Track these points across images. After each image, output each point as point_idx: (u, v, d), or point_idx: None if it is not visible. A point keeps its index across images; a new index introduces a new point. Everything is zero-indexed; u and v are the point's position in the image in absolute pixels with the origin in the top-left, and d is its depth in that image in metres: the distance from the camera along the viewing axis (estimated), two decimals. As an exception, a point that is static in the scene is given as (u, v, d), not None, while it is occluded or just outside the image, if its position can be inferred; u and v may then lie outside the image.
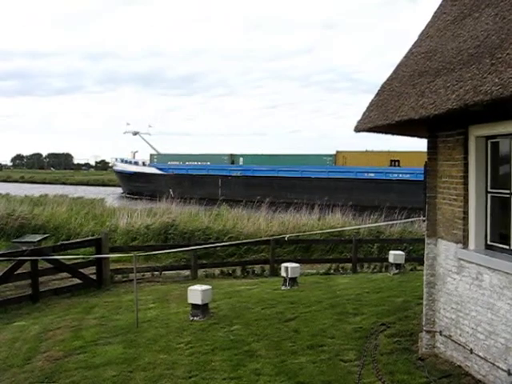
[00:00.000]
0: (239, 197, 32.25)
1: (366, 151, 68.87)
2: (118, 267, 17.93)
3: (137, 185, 76.19)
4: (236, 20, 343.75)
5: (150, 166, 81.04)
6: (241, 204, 31.00)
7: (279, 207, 30.74)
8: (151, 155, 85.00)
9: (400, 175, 60.62)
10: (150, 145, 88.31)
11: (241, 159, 75.16)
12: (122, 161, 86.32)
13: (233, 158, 76.06)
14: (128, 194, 73.53)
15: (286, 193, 56.36)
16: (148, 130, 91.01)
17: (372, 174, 62.50)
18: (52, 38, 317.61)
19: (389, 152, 64.98)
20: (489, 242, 7.48)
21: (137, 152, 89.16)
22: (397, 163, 63.93)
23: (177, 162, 79.13)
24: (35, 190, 50.12)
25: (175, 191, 55.86)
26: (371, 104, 9.11)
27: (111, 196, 52.83)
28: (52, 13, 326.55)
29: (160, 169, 77.89)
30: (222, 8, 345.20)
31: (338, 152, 68.50)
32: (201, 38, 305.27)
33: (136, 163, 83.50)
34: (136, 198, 44.08)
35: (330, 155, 68.60)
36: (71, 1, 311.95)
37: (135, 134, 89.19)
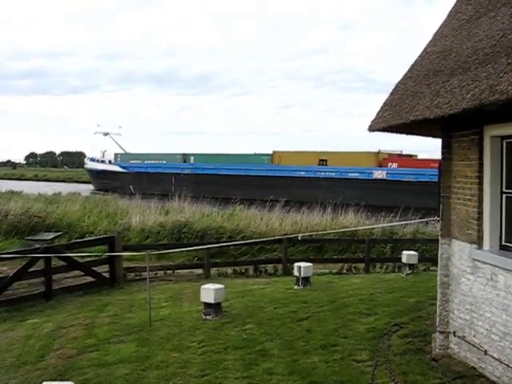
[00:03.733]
0: (189, 193, 34.55)
1: (299, 151, 72.14)
2: (131, 266, 17.98)
3: (103, 182, 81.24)
4: (251, 20, 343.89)
5: (114, 164, 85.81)
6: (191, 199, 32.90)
7: (222, 202, 32.79)
8: (115, 154, 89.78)
9: (327, 173, 65.39)
10: (119, 144, 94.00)
11: (192, 158, 79.83)
12: (92, 159, 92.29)
13: (185, 157, 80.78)
14: (97, 190, 76.12)
15: (230, 189, 58.19)
16: (118, 131, 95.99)
17: (303, 173, 66.81)
18: (69, 37, 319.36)
19: (318, 152, 69.40)
20: (503, 243, 7.43)
21: (106, 151, 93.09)
22: (324, 162, 68.23)
23: (137, 161, 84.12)
24: (48, 188, 50.26)
25: (135, 188, 59.27)
26: (385, 103, 9.07)
27: (83, 192, 54.19)
28: (69, 13, 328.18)
29: (123, 167, 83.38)
30: (238, 8, 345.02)
31: (274, 152, 73.04)
32: (216, 38, 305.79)
33: (103, 162, 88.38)
34: (103, 194, 46.03)
35: (268, 155, 73.33)
36: (89, 1, 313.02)
37: (106, 134, 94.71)
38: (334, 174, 64.79)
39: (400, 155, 68.60)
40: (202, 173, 73.81)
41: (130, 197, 37.00)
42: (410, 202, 34.21)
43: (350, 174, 63.60)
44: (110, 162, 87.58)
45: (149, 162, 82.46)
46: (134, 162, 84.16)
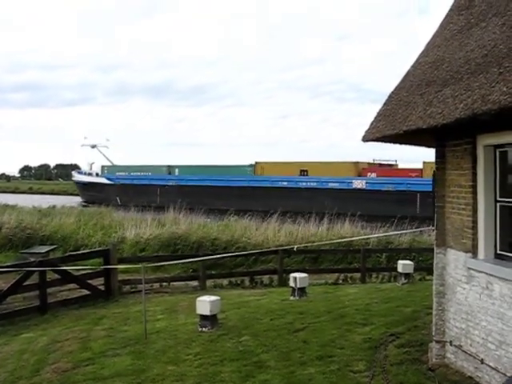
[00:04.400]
0: (174, 204, 35.58)
1: (280, 162, 73.54)
2: (127, 278, 17.93)
3: (90, 194, 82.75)
4: (248, 31, 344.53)
5: (101, 176, 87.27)
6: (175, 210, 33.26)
7: (206, 213, 33.11)
8: (102, 166, 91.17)
9: (308, 183, 67.19)
10: (106, 157, 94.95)
11: (176, 170, 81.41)
12: (79, 172, 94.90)
13: (170, 169, 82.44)
14: (84, 202, 76.97)
15: (213, 200, 60.03)
16: (106, 143, 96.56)
17: (284, 183, 68.52)
18: (64, 50, 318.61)
19: (299, 162, 71.22)
20: (498, 252, 7.43)
21: (93, 163, 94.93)
22: (305, 173, 69.79)
23: (123, 173, 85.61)
24: (43, 201, 50.20)
25: (122, 199, 61.23)
26: (379, 114, 9.08)
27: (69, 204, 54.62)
28: (65, 26, 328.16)
29: (109, 179, 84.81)
30: (235, 19, 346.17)
31: (256, 163, 74.65)
32: (212, 50, 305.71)
33: (90, 174, 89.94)
34: (89, 206, 46.97)
35: (250, 165, 74.95)
36: (85, 14, 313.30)
37: (93, 147, 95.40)
38: (314, 184, 66.41)
39: (381, 165, 70.30)
40: (186, 184, 75.03)
41: (117, 208, 38.82)
42: (389, 210, 34.67)
43: (330, 184, 65.00)
44: (96, 174, 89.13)
45: (135, 173, 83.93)
46: (120, 174, 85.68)
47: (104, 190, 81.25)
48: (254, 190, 67.91)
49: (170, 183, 77.42)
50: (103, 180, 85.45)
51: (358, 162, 67.59)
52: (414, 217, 29.39)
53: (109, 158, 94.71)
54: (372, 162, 71.11)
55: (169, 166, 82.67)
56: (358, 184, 63.96)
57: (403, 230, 25.78)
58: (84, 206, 56.90)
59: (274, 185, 68.33)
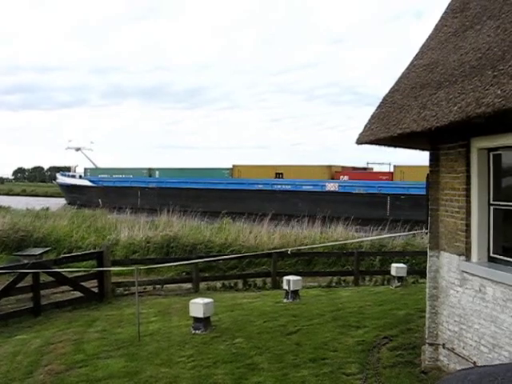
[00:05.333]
0: (154, 206, 35.95)
1: (257, 165, 74.27)
2: (120, 280, 17.92)
3: (73, 196, 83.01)
4: (244, 35, 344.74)
5: (83, 178, 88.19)
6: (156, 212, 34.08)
7: (184, 215, 32.97)
8: (85, 169, 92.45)
9: (283, 186, 68.08)
10: (90, 159, 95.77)
11: (157, 172, 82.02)
12: (63, 174, 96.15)
13: (150, 172, 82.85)
14: (68, 203, 77.43)
15: (192, 202, 59.55)
16: (90, 146, 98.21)
17: (260, 186, 69.02)
18: (59, 52, 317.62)
19: (275, 166, 72.31)
20: (492, 255, 7.45)
21: (77, 166, 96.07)
22: (281, 176, 70.71)
23: (106, 175, 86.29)
24: (37, 203, 50.11)
25: (104, 201, 60.55)
26: (373, 116, 9.09)
27: (55, 205, 55.10)
28: (59, 28, 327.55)
29: (92, 181, 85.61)
30: (230, 23, 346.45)
31: (234, 166, 75.32)
32: (207, 53, 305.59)
33: (73, 176, 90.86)
34: (73, 208, 47.83)
35: (228, 169, 75.57)
36: (79, 18, 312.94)
37: (77, 149, 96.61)
38: (289, 186, 67.45)
39: (355, 168, 71.49)
40: (166, 186, 75.88)
41: (101, 209, 39.37)
42: (360, 213, 35.10)
43: (304, 187, 65.98)
44: (80, 176, 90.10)
45: (116, 176, 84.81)
46: (102, 176, 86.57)
47: (87, 192, 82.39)
48: (232, 192, 68.86)
49: (151, 185, 78.52)
50: (86, 182, 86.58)
51: (331, 166, 68.87)
52: (383, 219, 29.87)
53: (93, 160, 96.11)
54: (347, 165, 72.32)
55: (149, 169, 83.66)
56: (331, 187, 65.09)
57: (374, 231, 26.20)
58: (68, 207, 57.58)
59: (251, 187, 69.27)
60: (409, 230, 27.30)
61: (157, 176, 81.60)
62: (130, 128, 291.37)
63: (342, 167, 70.19)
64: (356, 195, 60.63)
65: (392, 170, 63.53)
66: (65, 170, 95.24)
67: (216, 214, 33.06)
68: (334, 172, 68.15)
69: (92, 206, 47.01)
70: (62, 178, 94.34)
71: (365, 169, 72.42)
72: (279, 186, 68.44)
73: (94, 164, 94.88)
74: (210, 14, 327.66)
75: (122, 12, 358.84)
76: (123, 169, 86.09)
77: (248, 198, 64.34)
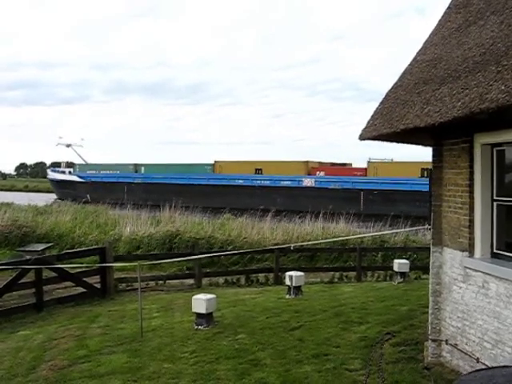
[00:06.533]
0: (140, 201, 36.56)
1: (237, 161, 75.71)
2: (122, 276, 17.96)
3: (63, 191, 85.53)
4: (246, 31, 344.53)
5: (73, 174, 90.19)
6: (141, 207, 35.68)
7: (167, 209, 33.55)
8: (74, 165, 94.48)
9: (262, 182, 69.84)
10: (80, 156, 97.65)
11: (142, 168, 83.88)
12: (53, 170, 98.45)
13: (136, 168, 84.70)
14: (58, 199, 78.91)
15: (175, 197, 60.39)
16: (81, 143, 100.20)
17: (241, 181, 70.82)
18: (61, 49, 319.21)
19: (254, 161, 73.48)
20: (495, 250, 7.44)
21: (67, 162, 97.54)
22: (260, 171, 72.34)
23: (94, 171, 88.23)
24: (39, 199, 50.22)
25: (92, 196, 63.18)
26: (376, 112, 9.07)
27: (44, 200, 55.57)
28: (62, 24, 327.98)
29: (80, 177, 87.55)
30: (233, 20, 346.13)
31: (215, 162, 76.80)
32: (208, 51, 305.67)
33: (63, 172, 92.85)
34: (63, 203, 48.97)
35: (210, 164, 77.03)
36: (83, 13, 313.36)
37: (68, 146, 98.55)
38: (268, 182, 69.15)
39: (333, 164, 73.25)
40: (150, 182, 77.72)
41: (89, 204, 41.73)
42: (335, 207, 35.69)
43: (282, 182, 67.51)
44: (69, 172, 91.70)
45: (104, 172, 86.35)
46: (91, 172, 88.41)
47: (76, 187, 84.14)
48: (213, 187, 70.51)
49: (136, 181, 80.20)
50: (75, 178, 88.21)
51: (308, 161, 70.44)
52: (357, 213, 30.47)
53: (83, 156, 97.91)
54: (324, 161, 73.88)
55: (135, 165, 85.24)
56: (308, 182, 66.63)
57: (342, 225, 26.70)
58: (58, 202, 58.65)
59: (231, 183, 70.70)
60: (383, 225, 27.65)
61: (142, 172, 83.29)
62: (132, 124, 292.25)
63: (319, 163, 72.03)
64: (332, 190, 62.19)
65: (366, 166, 65.43)
66: (67, 165, 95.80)
67: (198, 208, 34.55)
68: (310, 168, 69.91)
69: (81, 200, 48.19)
70: (52, 174, 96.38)
71: (344, 164, 73.95)
72: (259, 182, 70.08)
73: (83, 160, 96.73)
74: (210, 14, 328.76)
75: (122, 12, 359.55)
76: (110, 165, 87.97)
77: (228, 194, 66.09)
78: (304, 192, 63.71)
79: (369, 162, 64.63)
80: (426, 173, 56.59)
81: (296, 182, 66.76)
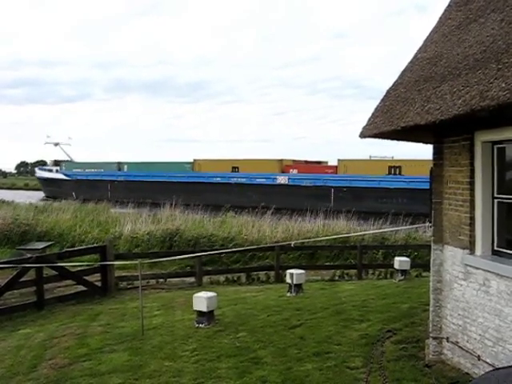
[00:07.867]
0: (123, 198, 37.36)
1: (215, 159, 78.63)
2: (123, 274, 17.96)
3: (50, 188, 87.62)
4: (245, 34, 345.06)
5: (59, 172, 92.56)
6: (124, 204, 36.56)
7: (150, 207, 35.63)
8: (61, 163, 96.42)
9: (238, 179, 71.62)
10: (67, 154, 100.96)
11: (125, 166, 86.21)
12: (41, 168, 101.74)
13: (119, 166, 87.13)
14: (46, 196, 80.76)
15: (157, 195, 63.02)
16: (68, 141, 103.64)
17: (218, 179, 73.24)
18: (62, 47, 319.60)
19: (231, 160, 76.16)
20: (496, 248, 7.42)
21: (55, 160, 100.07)
22: (237, 169, 74.59)
23: (79, 170, 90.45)
24: (39, 197, 50.35)
25: (77, 194, 63.36)
26: (376, 110, 9.06)
27: (31, 198, 56.07)
28: (63, 23, 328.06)
29: (66, 175, 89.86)
30: (234, 18, 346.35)
31: (195, 160, 79.51)
32: (209, 50, 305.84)
33: (50, 170, 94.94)
34: (49, 200, 49.71)
35: (189, 163, 79.64)
36: (84, 12, 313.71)
37: (56, 144, 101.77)
38: (244, 179, 71.04)
39: (307, 162, 75.53)
40: (133, 180, 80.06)
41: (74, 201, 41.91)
42: (307, 204, 36.23)
43: (257, 180, 69.47)
44: (56, 170, 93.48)
45: (89, 170, 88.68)
46: (76, 170, 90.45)
47: (62, 185, 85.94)
48: (192, 185, 72.22)
49: (120, 179, 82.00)
50: (61, 176, 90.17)
51: (281, 160, 72.17)
52: (328, 210, 30.99)
53: (70, 155, 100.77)
54: (298, 159, 75.91)
55: (118, 163, 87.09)
56: (282, 180, 68.55)
57: (320, 221, 27.00)
58: (45, 200, 60.61)
59: (209, 180, 73.02)
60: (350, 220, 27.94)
61: (125, 170, 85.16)
62: (133, 123, 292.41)
63: (293, 161, 74.02)
64: (304, 188, 63.89)
65: (336, 163, 67.20)
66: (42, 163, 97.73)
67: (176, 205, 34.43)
68: (284, 166, 71.59)
69: (67, 198, 50.26)
70: (39, 172, 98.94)
71: (319, 162, 76.02)
72: (235, 179, 71.87)
73: (70, 158, 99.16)
74: (210, 13, 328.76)
75: (123, 11, 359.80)
76: (95, 163, 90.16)
77: (206, 191, 68.29)
78: (278, 189, 65.49)
79: (339, 159, 66.27)
80: (392, 170, 59.54)
81: (270, 180, 68.62)
